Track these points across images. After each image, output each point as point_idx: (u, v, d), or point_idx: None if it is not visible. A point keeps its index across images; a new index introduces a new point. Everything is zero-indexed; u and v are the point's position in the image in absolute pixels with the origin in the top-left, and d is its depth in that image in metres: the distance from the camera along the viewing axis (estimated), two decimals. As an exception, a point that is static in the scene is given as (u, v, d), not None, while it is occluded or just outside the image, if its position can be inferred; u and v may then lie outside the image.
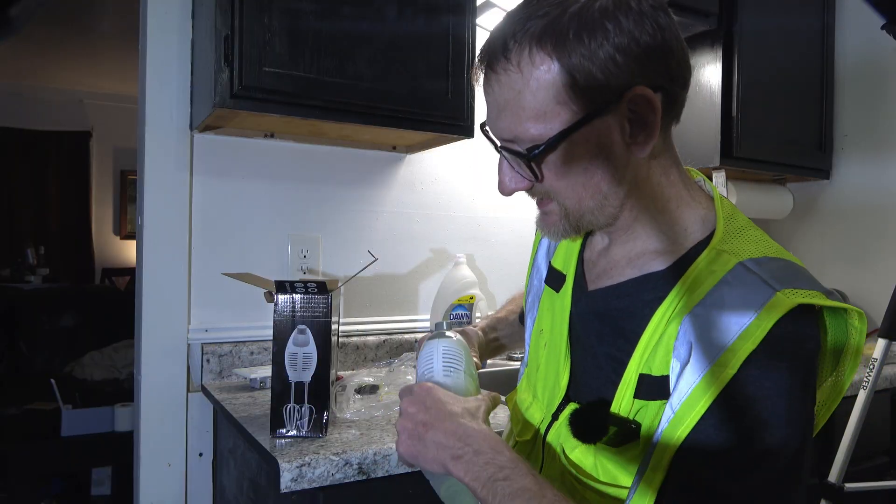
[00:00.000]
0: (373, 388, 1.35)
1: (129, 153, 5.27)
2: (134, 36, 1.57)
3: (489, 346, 1.14)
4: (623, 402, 0.69)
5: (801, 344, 0.62)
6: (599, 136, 0.66)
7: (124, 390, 2.96)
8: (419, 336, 1.76)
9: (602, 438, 0.70)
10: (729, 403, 0.61)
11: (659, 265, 0.72)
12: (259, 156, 1.60)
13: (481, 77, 0.71)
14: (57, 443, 2.67)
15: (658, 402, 0.66)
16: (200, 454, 1.53)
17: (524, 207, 1.92)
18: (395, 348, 1.72)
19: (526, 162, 0.68)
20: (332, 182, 1.68)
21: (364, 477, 1.01)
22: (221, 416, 1.46)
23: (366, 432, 1.11)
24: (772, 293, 0.62)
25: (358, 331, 1.68)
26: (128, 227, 5.50)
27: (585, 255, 0.82)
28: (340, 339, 1.65)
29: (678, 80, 0.69)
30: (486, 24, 1.75)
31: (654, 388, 0.67)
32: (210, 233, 1.54)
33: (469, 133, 1.50)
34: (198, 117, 1.46)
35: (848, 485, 1.45)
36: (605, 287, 0.77)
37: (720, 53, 1.93)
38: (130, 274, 4.88)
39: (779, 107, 2.06)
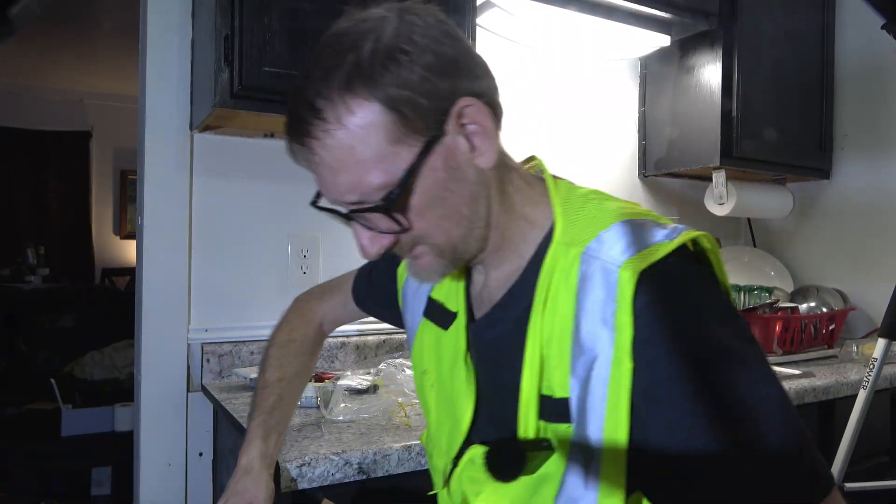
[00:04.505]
0: (374, 388, 1.35)
1: (129, 153, 5.24)
2: (134, 36, 1.57)
3: (276, 451, 0.93)
4: (529, 425, 0.66)
5: (670, 298, 0.60)
6: (445, 160, 0.64)
7: (124, 390, 2.96)
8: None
9: (523, 470, 0.67)
10: (643, 397, 0.59)
11: (517, 273, 0.71)
12: (259, 156, 1.60)
13: (301, 153, 0.65)
14: (57, 443, 2.67)
15: (565, 426, 0.64)
16: (200, 454, 1.53)
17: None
18: (396, 348, 1.72)
19: (385, 214, 0.64)
20: (332, 182, 1.68)
21: (364, 477, 1.01)
22: (221, 416, 1.46)
23: (365, 432, 1.11)
24: (615, 274, 0.61)
25: (358, 331, 1.68)
26: (128, 227, 5.50)
27: (472, 292, 0.78)
28: (341, 340, 1.65)
29: (490, 86, 0.68)
30: (486, 24, 1.75)
31: (558, 410, 0.64)
32: (210, 233, 1.54)
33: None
34: (198, 117, 1.46)
35: (848, 485, 1.45)
36: (480, 318, 0.74)
37: (720, 53, 1.93)
38: (130, 274, 4.87)
39: (779, 107, 2.06)
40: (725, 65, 1.93)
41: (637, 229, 0.64)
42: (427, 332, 0.83)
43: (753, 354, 0.60)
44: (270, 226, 1.61)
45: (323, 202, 0.69)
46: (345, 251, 1.70)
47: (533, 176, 0.76)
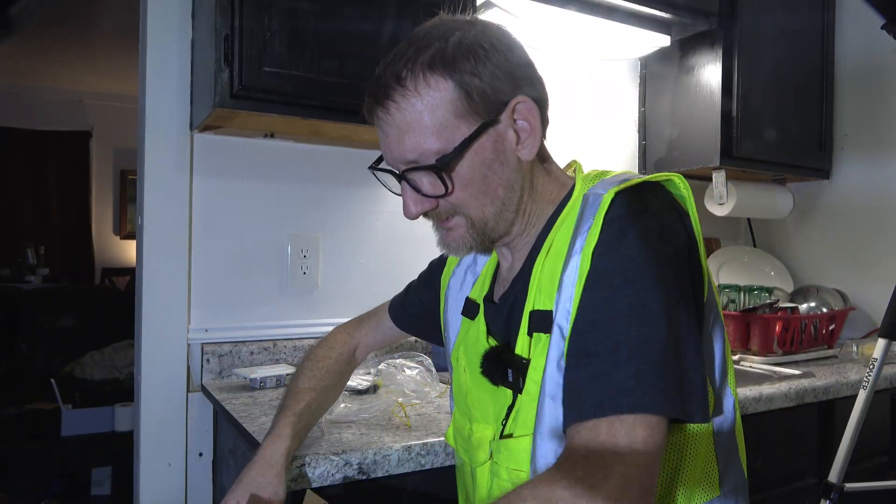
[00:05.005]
0: (374, 389, 1.35)
1: (129, 153, 5.26)
2: (134, 35, 1.57)
3: (299, 441, 0.96)
4: (521, 340, 0.77)
5: (634, 218, 0.70)
6: (494, 144, 0.76)
7: (124, 390, 2.96)
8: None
9: (506, 380, 0.78)
10: (588, 288, 0.69)
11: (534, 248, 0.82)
12: (259, 156, 1.60)
13: (377, 112, 0.76)
14: (57, 443, 2.67)
15: (546, 336, 0.73)
16: (200, 454, 1.53)
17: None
18: (396, 348, 1.72)
19: (437, 173, 0.75)
20: (332, 182, 1.68)
21: (364, 477, 1.01)
22: (221, 416, 1.46)
23: (365, 432, 1.11)
24: (601, 198, 0.73)
25: (358, 331, 1.68)
26: (128, 227, 5.50)
27: (498, 277, 0.88)
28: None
29: (543, 96, 0.80)
30: (486, 24, 1.75)
31: (541, 320, 0.74)
32: (210, 233, 1.54)
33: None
34: (198, 117, 1.46)
35: (848, 485, 1.45)
36: (499, 297, 0.84)
37: (720, 53, 1.93)
38: (130, 274, 4.87)
39: (779, 107, 2.06)
40: (725, 65, 1.93)
41: (631, 175, 0.77)
42: (462, 327, 0.92)
43: (659, 286, 0.67)
44: (270, 226, 1.61)
45: (381, 166, 0.82)
46: (345, 251, 1.70)
47: (566, 175, 0.86)
